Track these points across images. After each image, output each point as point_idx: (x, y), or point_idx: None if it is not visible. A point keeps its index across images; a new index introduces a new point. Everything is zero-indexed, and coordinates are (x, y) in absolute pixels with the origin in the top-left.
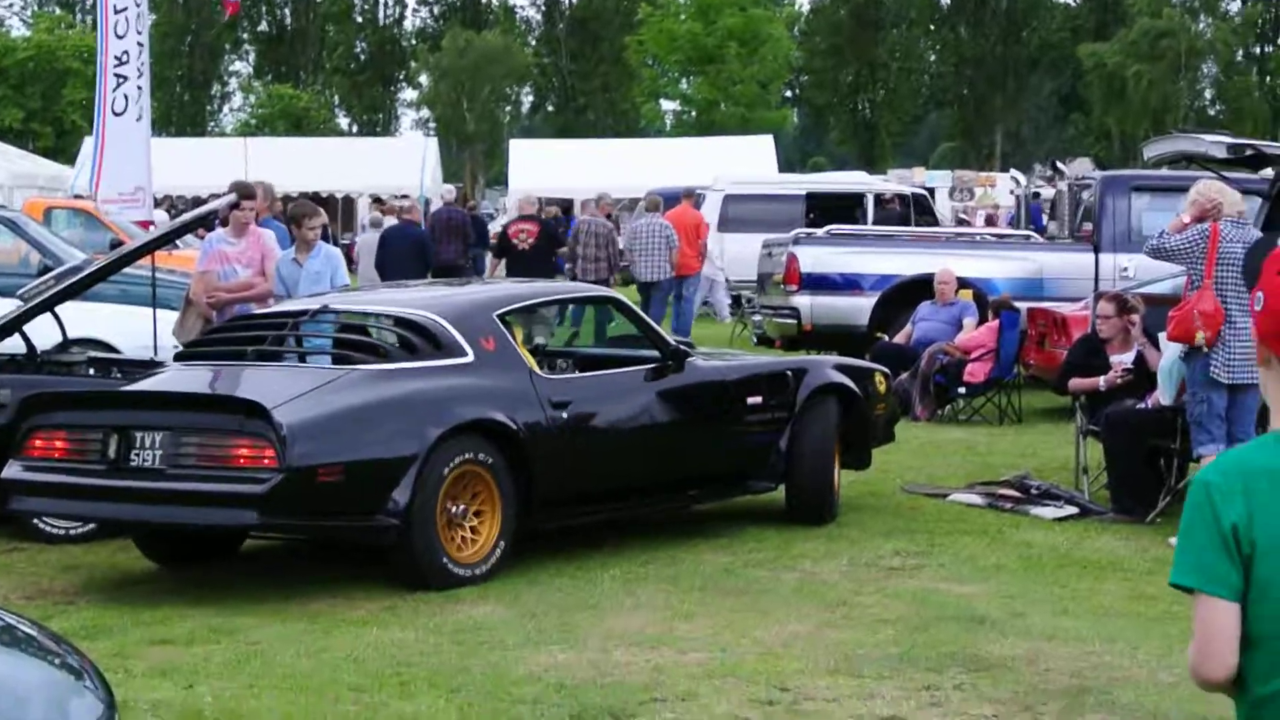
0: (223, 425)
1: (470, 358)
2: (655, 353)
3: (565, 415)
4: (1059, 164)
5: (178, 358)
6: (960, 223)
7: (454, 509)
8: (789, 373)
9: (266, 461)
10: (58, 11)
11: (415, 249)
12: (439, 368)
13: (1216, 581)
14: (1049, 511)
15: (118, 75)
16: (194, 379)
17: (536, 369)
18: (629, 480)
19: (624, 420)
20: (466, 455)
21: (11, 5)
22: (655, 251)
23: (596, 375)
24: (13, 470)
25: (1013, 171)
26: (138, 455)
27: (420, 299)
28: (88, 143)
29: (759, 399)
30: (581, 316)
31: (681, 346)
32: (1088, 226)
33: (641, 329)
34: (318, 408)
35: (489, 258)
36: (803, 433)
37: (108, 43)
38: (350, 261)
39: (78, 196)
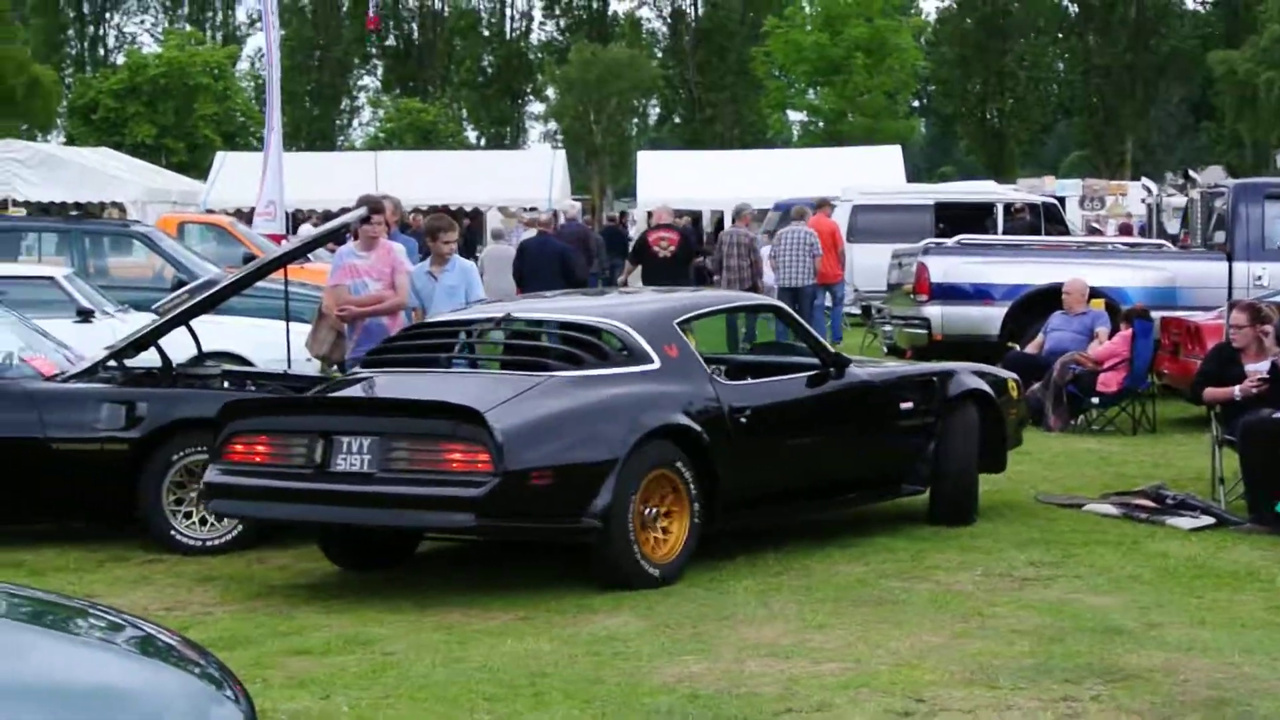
0: (435, 430)
1: (657, 364)
2: (812, 360)
3: (744, 420)
4: (1191, 172)
5: (364, 365)
6: (1092, 232)
7: (647, 511)
8: (935, 379)
9: (480, 466)
10: (188, 28)
11: (557, 260)
12: (630, 374)
13: None
14: (1185, 522)
15: None
16: (395, 385)
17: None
18: (798, 483)
19: (795, 425)
20: (660, 459)
21: (143, 22)
22: (798, 259)
23: (769, 382)
24: (213, 474)
25: (1144, 180)
26: (344, 460)
27: (600, 308)
28: (219, 157)
29: (910, 404)
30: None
31: (841, 354)
32: (1220, 235)
33: (802, 337)
34: (527, 413)
35: (626, 265)
36: (948, 437)
37: (274, 59)
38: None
39: (210, 211)
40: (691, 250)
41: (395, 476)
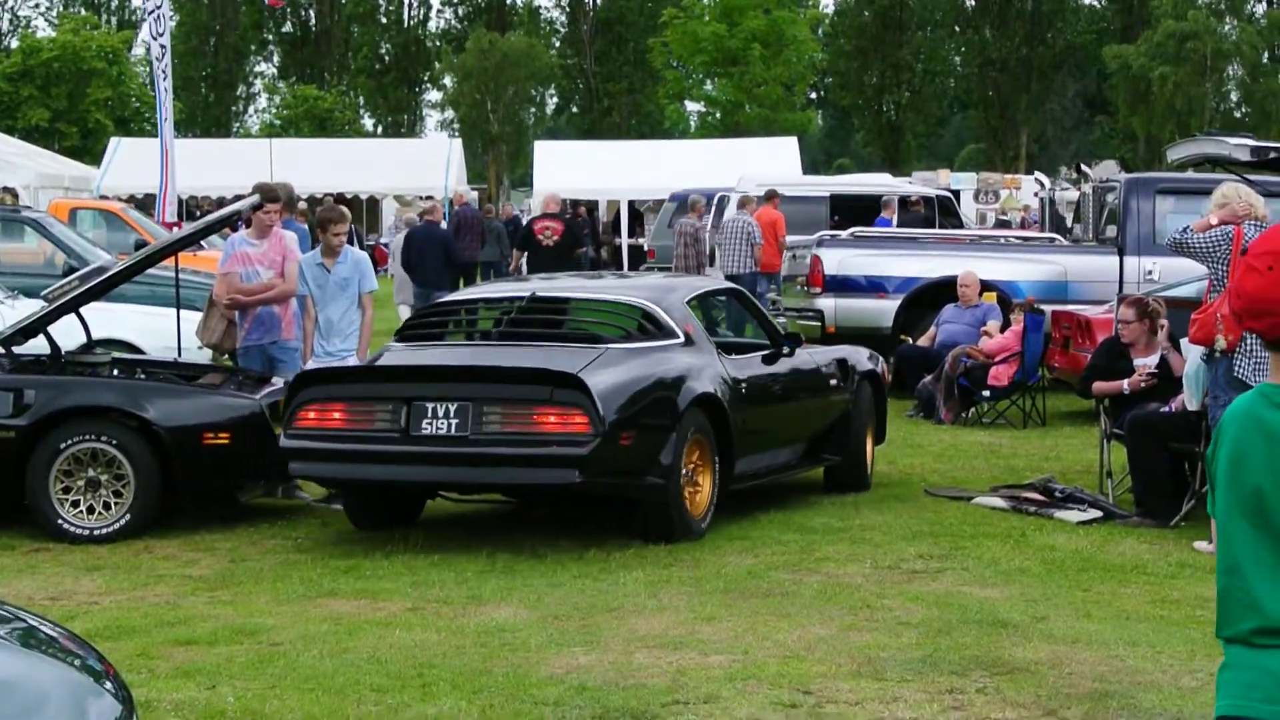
0: (530, 396)
1: (681, 340)
2: (764, 341)
3: (744, 391)
4: (1084, 166)
5: (400, 338)
6: (1000, 225)
7: (684, 470)
8: (846, 360)
9: (577, 427)
10: (83, 12)
11: (440, 248)
12: (664, 348)
13: None
14: (1073, 515)
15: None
16: (472, 355)
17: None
18: (777, 446)
19: (772, 397)
20: (696, 424)
21: (37, 5)
22: (739, 248)
23: (750, 357)
24: (287, 440)
25: (1037, 174)
26: (429, 424)
27: (622, 288)
28: (113, 143)
29: (834, 381)
30: None
31: (793, 336)
32: (1111, 230)
33: (759, 319)
34: (609, 379)
35: (514, 252)
36: (854, 411)
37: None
38: (378, 262)
39: (103, 197)
40: (576, 239)
41: (489, 438)
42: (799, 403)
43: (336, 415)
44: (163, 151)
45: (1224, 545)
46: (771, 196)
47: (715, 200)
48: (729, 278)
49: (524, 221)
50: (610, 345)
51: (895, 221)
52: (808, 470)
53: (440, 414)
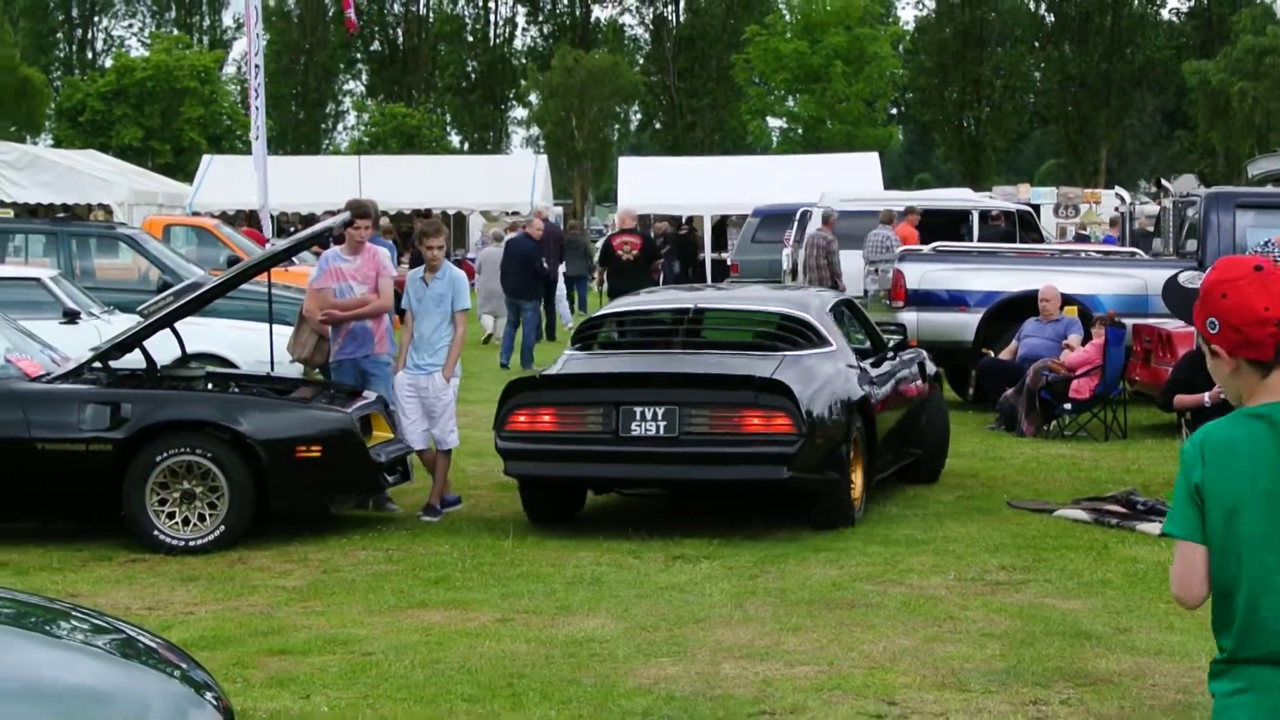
0: (736, 400)
1: (833, 346)
2: (865, 346)
3: (876, 392)
4: (1164, 181)
5: (578, 346)
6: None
7: None
8: (924, 361)
9: (781, 428)
10: (175, 32)
11: (522, 260)
12: (825, 354)
13: (1190, 529)
14: (1155, 528)
15: None
16: (673, 364)
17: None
18: (894, 442)
19: (894, 396)
20: (859, 423)
21: (131, 26)
22: (881, 260)
23: (872, 362)
24: (503, 443)
25: (1117, 189)
26: (639, 426)
27: (781, 299)
28: (205, 160)
29: (920, 381)
30: None
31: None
32: (1192, 244)
33: (866, 327)
34: (801, 383)
35: (598, 267)
36: (931, 409)
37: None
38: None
39: (195, 214)
40: (653, 253)
41: (697, 439)
42: (907, 402)
43: (547, 419)
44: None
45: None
46: (910, 212)
47: (798, 216)
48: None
49: (600, 239)
50: (785, 353)
51: (976, 236)
52: (903, 464)
53: (649, 417)
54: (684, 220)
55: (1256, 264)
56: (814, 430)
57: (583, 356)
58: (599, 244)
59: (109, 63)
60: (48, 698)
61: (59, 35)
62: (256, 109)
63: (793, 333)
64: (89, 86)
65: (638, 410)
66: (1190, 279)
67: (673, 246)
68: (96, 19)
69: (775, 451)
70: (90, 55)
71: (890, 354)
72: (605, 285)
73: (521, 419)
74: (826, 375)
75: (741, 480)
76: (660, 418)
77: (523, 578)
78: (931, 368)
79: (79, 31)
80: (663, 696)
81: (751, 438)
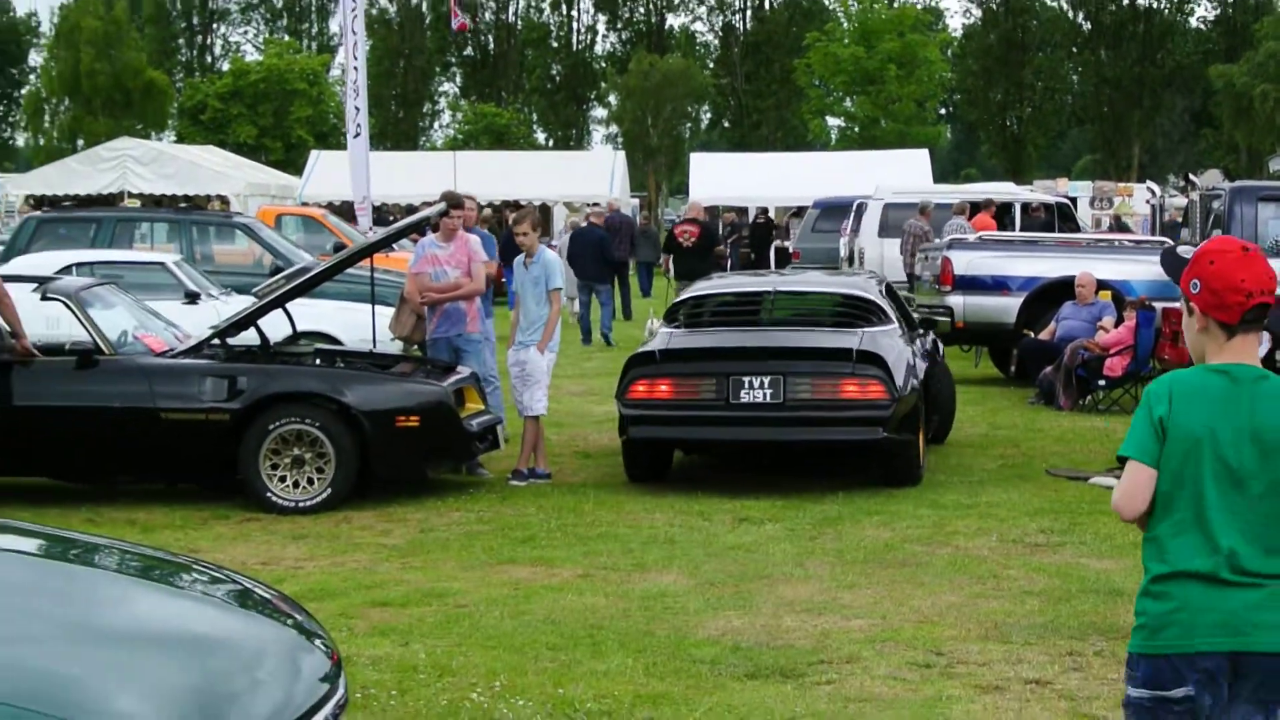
0: (835, 370)
1: (894, 324)
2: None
3: (923, 363)
4: (1191, 176)
5: (669, 323)
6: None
7: None
8: (935, 336)
9: (875, 394)
10: (286, 38)
11: (596, 247)
12: (891, 331)
13: (1146, 453)
14: None
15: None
16: (771, 338)
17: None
18: (931, 407)
19: (932, 368)
20: (921, 390)
21: (246, 32)
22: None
23: (911, 334)
24: (626, 410)
25: (1148, 183)
26: (748, 394)
27: (844, 282)
28: (313, 155)
29: (937, 356)
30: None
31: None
32: (1217, 234)
33: (898, 305)
34: (889, 355)
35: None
36: (939, 374)
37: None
38: None
39: (304, 204)
40: (712, 240)
41: (801, 404)
42: (937, 370)
43: (664, 388)
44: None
45: None
46: (989, 204)
47: (854, 207)
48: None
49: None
50: (864, 329)
51: (1018, 226)
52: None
53: (756, 385)
54: (762, 210)
55: (1245, 246)
56: (902, 395)
57: (683, 333)
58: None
59: (226, 66)
60: (173, 644)
61: (181, 41)
62: (356, 109)
63: (861, 311)
64: (208, 88)
65: (746, 380)
66: (1186, 250)
67: (752, 234)
68: (215, 26)
69: (872, 415)
70: (209, 59)
71: (921, 331)
72: (671, 270)
73: (640, 388)
74: (899, 348)
75: (841, 441)
76: (767, 386)
77: (601, 538)
78: (940, 346)
79: (199, 38)
80: (729, 646)
81: (850, 403)
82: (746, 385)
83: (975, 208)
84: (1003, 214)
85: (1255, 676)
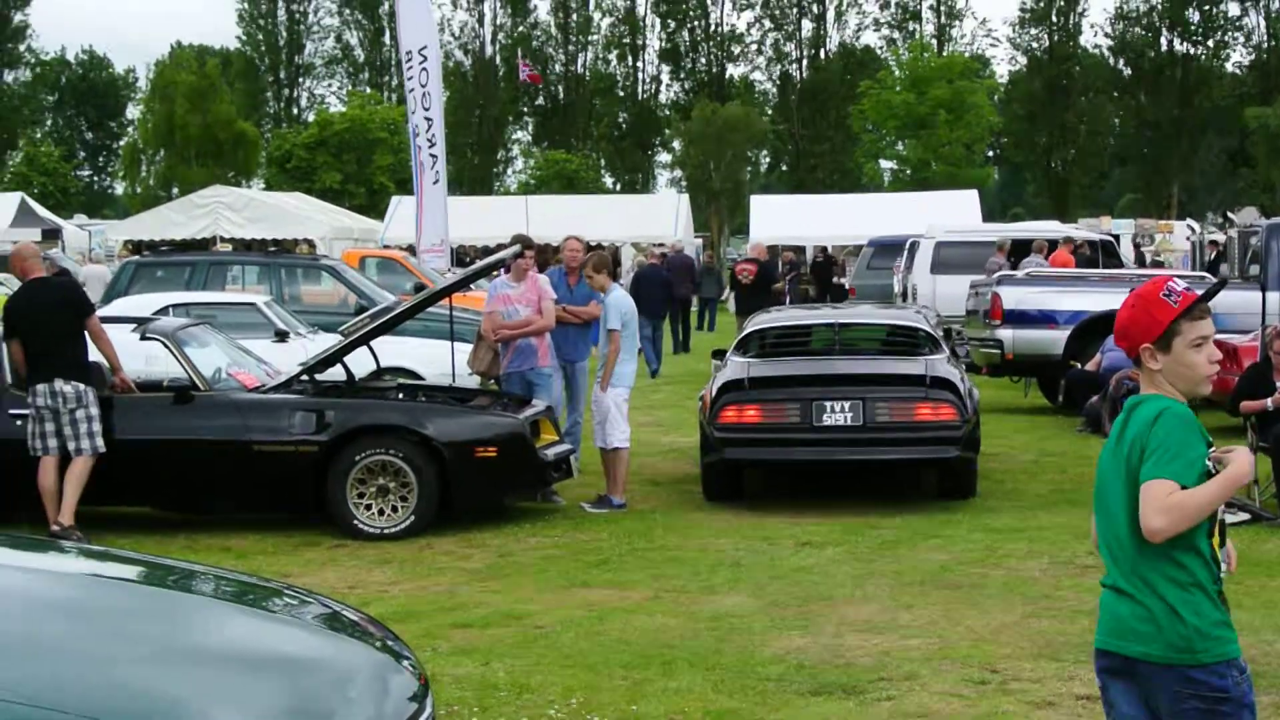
0: (910, 394)
1: (946, 352)
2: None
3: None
4: (1229, 214)
5: (740, 353)
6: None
7: None
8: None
9: (948, 415)
10: (368, 91)
11: (661, 286)
12: (942, 358)
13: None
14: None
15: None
16: (848, 365)
17: None
18: None
19: None
20: None
21: (331, 86)
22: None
23: (958, 362)
24: (718, 433)
25: (1188, 220)
26: (830, 417)
27: (893, 314)
28: (394, 201)
29: None
30: None
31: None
32: (1255, 268)
33: (926, 343)
34: (956, 380)
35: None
36: None
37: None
38: None
39: (386, 247)
40: (769, 278)
41: (880, 426)
42: None
43: (752, 413)
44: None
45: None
46: (1068, 241)
47: (907, 245)
48: None
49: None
50: (925, 356)
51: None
52: None
53: (838, 410)
54: (822, 249)
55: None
56: (970, 416)
57: (761, 362)
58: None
59: (312, 117)
60: (268, 665)
61: (269, 94)
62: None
63: (917, 340)
64: (295, 138)
65: (828, 404)
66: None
67: (814, 271)
68: (301, 80)
69: (946, 435)
70: (296, 111)
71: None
72: (733, 305)
73: (731, 413)
74: (958, 373)
75: (918, 460)
76: (848, 410)
77: (671, 561)
78: None
79: (286, 91)
80: (794, 664)
81: (926, 425)
82: (829, 409)
83: (1052, 245)
84: (1050, 251)
85: None
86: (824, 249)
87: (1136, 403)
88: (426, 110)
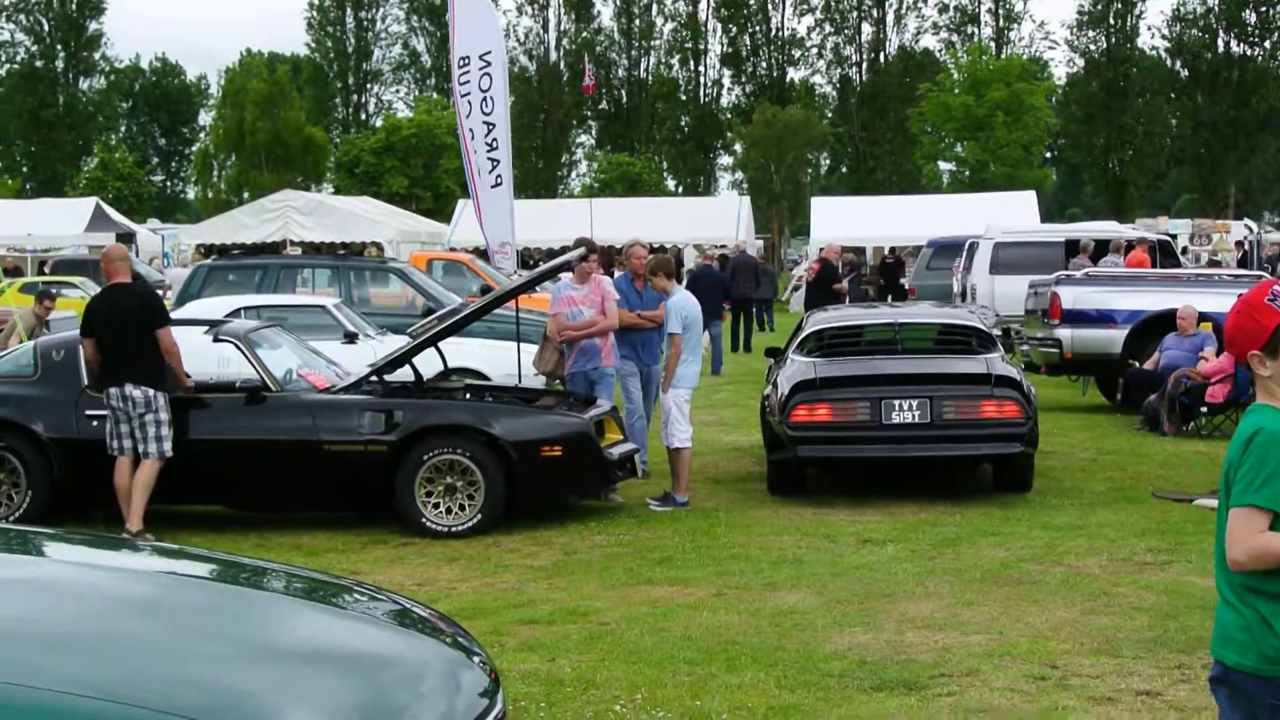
0: (976, 392)
1: (1000, 350)
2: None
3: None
4: None
5: (801, 352)
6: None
7: None
8: None
9: (1012, 413)
10: (435, 96)
11: (719, 286)
12: (998, 356)
13: None
14: None
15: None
16: (914, 365)
17: None
18: None
19: None
20: None
21: (398, 92)
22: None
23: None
24: (791, 431)
25: (1245, 220)
26: (898, 415)
27: (957, 315)
28: (460, 204)
29: None
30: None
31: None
32: None
33: (984, 342)
34: (1018, 378)
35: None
36: None
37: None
38: None
39: (453, 250)
40: (831, 276)
41: (947, 423)
42: None
43: (822, 411)
44: (474, 208)
45: None
46: (1143, 241)
47: (966, 246)
48: None
49: (797, 267)
50: (985, 355)
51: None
52: None
53: (906, 408)
54: (891, 250)
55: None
56: (1032, 414)
57: (825, 361)
58: (794, 270)
59: (379, 123)
60: (340, 661)
61: (338, 100)
62: (497, 160)
63: (974, 339)
64: (363, 143)
65: (896, 403)
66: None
67: (881, 271)
68: (369, 86)
69: (1011, 431)
70: (364, 117)
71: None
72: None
73: (802, 412)
74: (1015, 371)
75: (985, 456)
76: (916, 408)
77: (734, 559)
78: None
79: (354, 97)
80: (856, 661)
81: (992, 422)
82: (897, 407)
83: (1130, 246)
84: (1104, 251)
85: None
86: (892, 250)
87: (1248, 412)
88: (488, 114)
